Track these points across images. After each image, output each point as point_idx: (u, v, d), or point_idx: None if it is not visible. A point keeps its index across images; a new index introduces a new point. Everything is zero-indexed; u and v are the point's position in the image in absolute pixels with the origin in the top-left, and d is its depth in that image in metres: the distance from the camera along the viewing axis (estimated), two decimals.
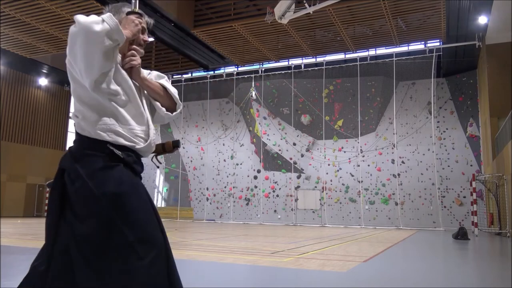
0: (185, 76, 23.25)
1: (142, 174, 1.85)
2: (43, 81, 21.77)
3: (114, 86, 1.72)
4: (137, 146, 1.75)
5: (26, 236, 8.94)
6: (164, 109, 1.92)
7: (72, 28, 1.63)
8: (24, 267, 4.90)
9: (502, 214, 12.77)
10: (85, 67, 1.63)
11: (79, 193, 1.63)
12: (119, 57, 1.79)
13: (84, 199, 1.62)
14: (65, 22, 15.57)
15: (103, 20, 1.61)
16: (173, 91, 1.94)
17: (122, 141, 1.71)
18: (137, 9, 1.89)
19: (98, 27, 1.58)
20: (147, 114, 1.82)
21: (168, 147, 1.98)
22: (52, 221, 1.68)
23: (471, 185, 13.05)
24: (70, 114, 23.69)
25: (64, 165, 1.71)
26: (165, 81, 1.97)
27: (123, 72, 1.78)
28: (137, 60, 1.82)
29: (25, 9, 14.47)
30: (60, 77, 21.93)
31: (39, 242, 7.48)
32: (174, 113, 1.96)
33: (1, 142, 19.39)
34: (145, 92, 1.88)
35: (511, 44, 14.64)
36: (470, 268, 5.97)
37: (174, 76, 22.89)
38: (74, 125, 1.78)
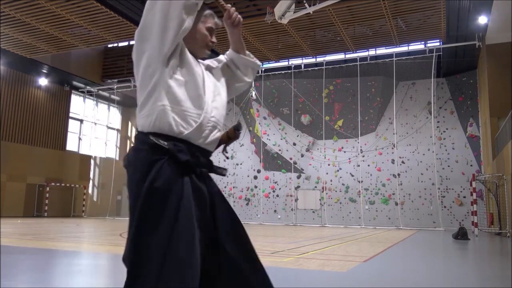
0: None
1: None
2: (43, 81, 21.77)
3: (177, 62, 1.70)
4: (186, 132, 1.63)
5: (26, 236, 8.94)
6: (253, 58, 2.05)
7: None
8: (24, 267, 4.92)
9: (502, 214, 12.77)
10: (163, 24, 1.60)
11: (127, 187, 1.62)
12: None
13: (129, 194, 1.60)
14: (65, 22, 15.57)
15: None
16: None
17: (166, 129, 1.62)
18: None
19: None
20: (207, 97, 1.74)
21: (231, 133, 1.95)
22: None
23: (471, 185, 13.05)
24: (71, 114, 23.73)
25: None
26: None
27: (187, 52, 1.76)
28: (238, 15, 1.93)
29: (25, 9, 14.46)
30: (60, 77, 21.93)
31: (39, 242, 7.51)
32: (257, 60, 2.08)
33: (1, 142, 19.38)
34: (214, 76, 1.88)
35: (511, 44, 14.64)
36: (470, 268, 5.97)
37: None
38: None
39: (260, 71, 21.61)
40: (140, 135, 1.66)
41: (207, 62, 1.96)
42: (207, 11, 1.90)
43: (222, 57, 2.05)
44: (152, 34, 1.62)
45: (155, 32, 1.61)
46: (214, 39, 1.92)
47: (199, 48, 1.86)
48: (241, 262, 1.71)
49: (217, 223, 1.71)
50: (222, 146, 1.94)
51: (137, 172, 1.58)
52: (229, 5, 1.93)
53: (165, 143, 1.59)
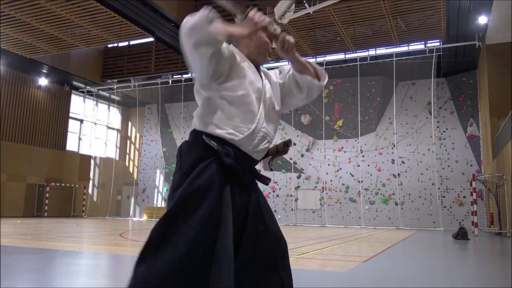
0: (185, 76, 23.22)
1: None
2: (43, 81, 21.76)
3: (229, 83, 1.74)
4: (236, 139, 1.70)
5: (26, 236, 8.94)
6: (316, 80, 1.97)
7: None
8: (24, 267, 4.92)
9: (502, 214, 12.77)
10: (197, 66, 1.70)
11: (172, 181, 1.70)
12: (238, 54, 1.81)
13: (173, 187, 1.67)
14: (65, 22, 15.57)
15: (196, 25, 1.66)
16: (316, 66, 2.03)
17: (218, 131, 1.70)
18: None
19: (189, 22, 1.66)
20: (259, 113, 1.77)
21: (280, 148, 2.04)
22: None
23: (471, 185, 13.05)
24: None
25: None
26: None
27: (245, 67, 1.79)
28: (291, 39, 1.89)
29: (25, 9, 14.46)
30: (60, 77, 21.93)
31: (39, 242, 7.50)
32: (323, 81, 2.01)
33: (1, 142, 19.38)
34: (271, 92, 1.89)
35: (511, 44, 14.64)
36: (470, 268, 5.96)
37: (174, 76, 22.88)
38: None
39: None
40: (195, 131, 1.76)
41: (271, 72, 2.00)
42: (267, 19, 1.89)
43: (285, 68, 2.06)
44: (192, 65, 1.71)
45: (194, 66, 1.71)
46: (274, 45, 1.93)
47: (259, 55, 1.89)
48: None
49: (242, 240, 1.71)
50: (269, 158, 2.01)
51: (184, 166, 1.67)
52: (279, 29, 1.92)
53: (215, 144, 1.67)
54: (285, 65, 2.08)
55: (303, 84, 1.98)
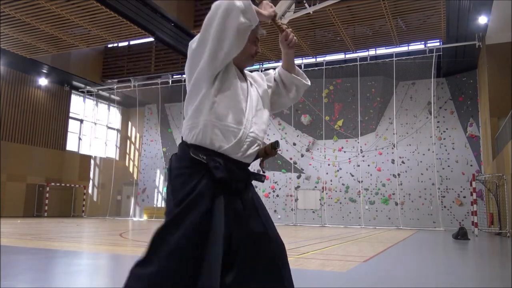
0: (185, 76, 23.24)
1: None
2: (43, 81, 21.77)
3: (223, 77, 1.77)
4: (225, 146, 1.72)
5: (26, 236, 8.94)
6: (304, 80, 2.06)
7: (216, 2, 1.68)
8: (24, 267, 4.92)
9: (502, 214, 12.77)
10: (216, 43, 1.67)
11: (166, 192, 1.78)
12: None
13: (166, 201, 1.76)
14: (65, 22, 15.57)
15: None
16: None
17: (207, 142, 1.72)
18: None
19: (238, 3, 1.63)
20: (247, 113, 1.80)
21: (268, 150, 2.04)
22: None
23: (471, 185, 13.05)
24: (67, 116, 23.75)
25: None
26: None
27: (234, 69, 1.83)
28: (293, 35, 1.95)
29: (25, 9, 14.46)
30: (60, 77, 21.93)
31: (39, 242, 7.50)
32: (309, 82, 2.09)
33: (1, 142, 19.38)
34: (260, 94, 1.93)
35: (511, 44, 14.64)
36: (470, 268, 5.96)
37: (174, 76, 22.87)
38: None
39: (260, 71, 21.56)
40: (184, 145, 1.77)
41: (255, 74, 2.01)
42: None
43: (271, 72, 2.10)
44: (206, 50, 1.69)
45: (209, 50, 1.68)
46: (259, 49, 1.96)
47: (245, 59, 1.90)
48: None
49: (234, 247, 1.74)
50: (259, 160, 2.01)
51: (175, 180, 1.73)
52: (285, 26, 1.96)
53: (204, 157, 1.69)
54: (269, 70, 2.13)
55: (291, 83, 2.04)
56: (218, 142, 1.71)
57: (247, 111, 1.79)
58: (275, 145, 2.03)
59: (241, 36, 1.67)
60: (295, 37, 1.94)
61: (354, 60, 19.57)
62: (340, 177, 20.36)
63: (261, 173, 1.99)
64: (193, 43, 1.75)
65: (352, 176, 20.14)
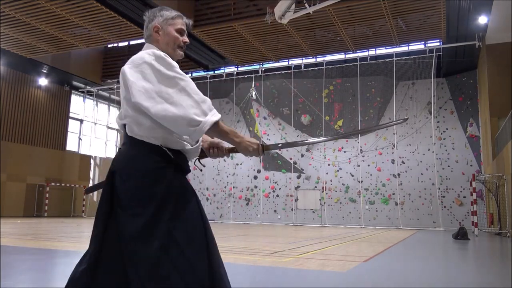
0: None
1: None
2: (43, 81, 21.76)
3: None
4: (187, 147, 1.84)
5: (26, 236, 8.94)
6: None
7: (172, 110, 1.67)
8: (24, 267, 4.91)
9: (502, 214, 12.77)
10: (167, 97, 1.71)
11: (131, 192, 1.68)
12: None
13: (137, 198, 1.68)
14: (65, 22, 15.57)
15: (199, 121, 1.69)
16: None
17: (172, 144, 1.78)
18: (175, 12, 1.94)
19: (212, 118, 1.72)
20: None
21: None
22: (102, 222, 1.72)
23: (471, 185, 13.05)
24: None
25: (117, 166, 1.75)
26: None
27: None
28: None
29: (25, 9, 14.46)
30: (60, 77, 21.93)
31: (39, 242, 7.50)
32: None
33: (1, 142, 19.38)
34: None
35: (511, 44, 14.63)
36: (470, 268, 5.97)
37: None
38: (125, 127, 1.80)
39: (260, 71, 21.60)
40: (144, 143, 1.75)
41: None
42: (175, 13, 1.92)
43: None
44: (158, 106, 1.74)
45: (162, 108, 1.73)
46: (186, 39, 1.94)
47: (172, 51, 1.89)
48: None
49: None
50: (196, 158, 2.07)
51: (147, 178, 1.70)
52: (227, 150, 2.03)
53: (171, 154, 1.77)
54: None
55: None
56: (176, 146, 1.86)
57: None
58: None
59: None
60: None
61: (354, 60, 19.57)
62: (340, 177, 20.37)
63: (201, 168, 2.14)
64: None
65: (352, 176, 20.14)
